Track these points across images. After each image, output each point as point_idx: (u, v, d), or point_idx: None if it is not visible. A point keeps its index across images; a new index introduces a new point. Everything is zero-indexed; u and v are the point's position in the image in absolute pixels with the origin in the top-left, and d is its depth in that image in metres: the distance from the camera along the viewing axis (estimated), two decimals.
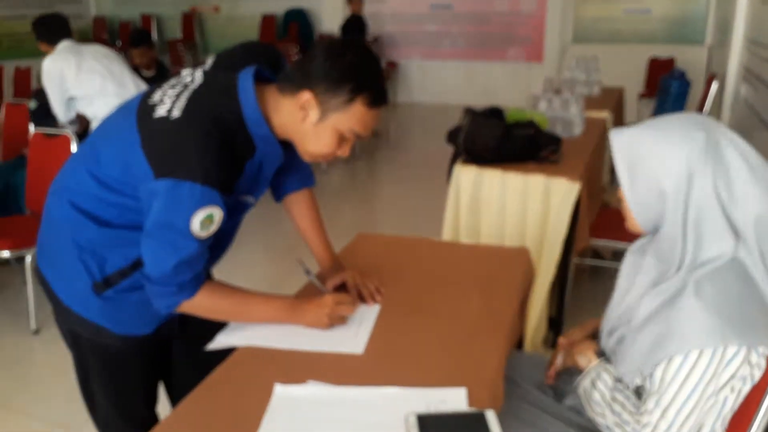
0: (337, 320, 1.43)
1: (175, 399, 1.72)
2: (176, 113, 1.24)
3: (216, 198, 1.23)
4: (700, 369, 1.11)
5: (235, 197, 1.37)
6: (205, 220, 1.23)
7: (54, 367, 2.87)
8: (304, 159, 1.41)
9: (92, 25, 11.27)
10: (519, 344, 1.87)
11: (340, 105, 1.27)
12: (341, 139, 1.32)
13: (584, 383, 1.32)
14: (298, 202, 1.71)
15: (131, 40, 4.70)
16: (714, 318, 1.11)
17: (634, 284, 1.32)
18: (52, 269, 1.44)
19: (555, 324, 2.86)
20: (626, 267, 1.39)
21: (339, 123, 1.29)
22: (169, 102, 1.27)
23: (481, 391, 1.20)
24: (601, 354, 1.38)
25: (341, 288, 1.60)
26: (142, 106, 1.30)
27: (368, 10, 9.59)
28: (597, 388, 1.28)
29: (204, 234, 1.25)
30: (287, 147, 1.41)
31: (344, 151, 1.36)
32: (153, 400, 1.65)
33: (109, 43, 10.51)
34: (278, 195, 1.71)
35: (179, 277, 1.28)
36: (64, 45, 3.66)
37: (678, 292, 1.17)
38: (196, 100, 1.27)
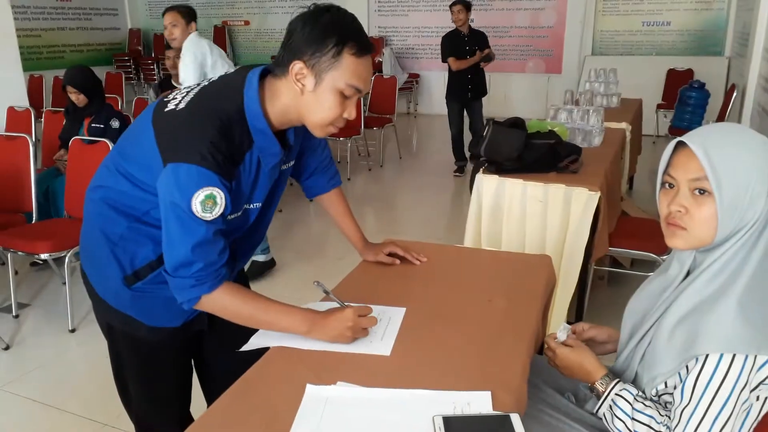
0: (359, 333, 1.42)
1: (208, 395, 1.77)
2: (181, 105, 1.33)
3: (214, 180, 1.26)
4: (732, 377, 1.08)
5: (241, 204, 1.42)
6: (206, 200, 1.26)
7: (89, 365, 2.96)
8: (316, 135, 1.41)
9: (128, 37, 11.61)
10: (540, 349, 1.88)
11: (330, 62, 1.29)
12: (342, 98, 1.33)
13: (603, 410, 1.30)
14: (328, 198, 1.87)
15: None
16: (750, 328, 1.09)
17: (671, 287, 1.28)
18: (89, 263, 1.52)
19: None
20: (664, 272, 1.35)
21: (335, 81, 1.31)
22: (179, 97, 1.36)
23: (506, 395, 1.21)
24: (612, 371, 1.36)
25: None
26: (159, 105, 1.38)
27: (390, 24, 9.72)
28: (617, 415, 1.26)
29: (208, 216, 1.27)
30: (299, 155, 1.44)
31: (351, 113, 1.37)
32: (186, 396, 1.70)
33: (142, 54, 10.84)
34: (310, 195, 1.86)
35: (195, 265, 1.30)
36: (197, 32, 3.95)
37: (719, 293, 1.15)
38: (203, 94, 1.36)
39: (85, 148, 3.50)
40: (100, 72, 8.11)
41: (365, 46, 1.32)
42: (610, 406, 1.27)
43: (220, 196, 1.28)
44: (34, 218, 3.64)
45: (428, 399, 1.21)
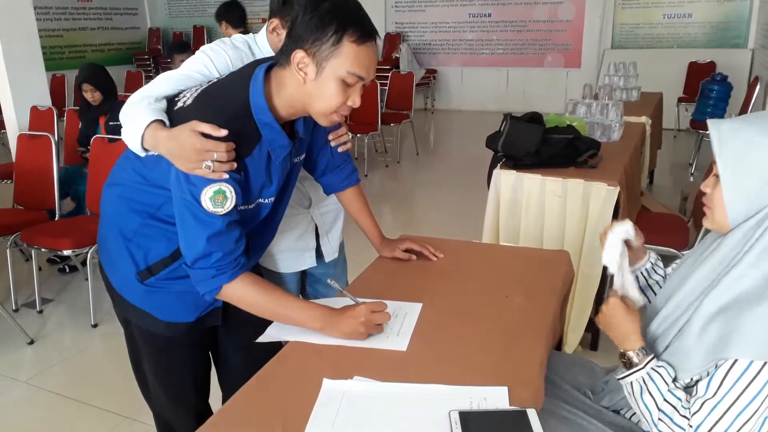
0: (373, 329, 1.41)
1: (225, 389, 1.79)
2: (189, 102, 1.35)
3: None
4: (760, 382, 1.07)
5: (252, 198, 1.43)
6: (216, 196, 1.28)
7: (111, 359, 3.03)
8: (320, 123, 1.41)
9: (147, 36, 11.81)
10: (558, 345, 1.87)
11: (330, 50, 1.28)
12: (345, 86, 1.32)
13: (631, 380, 1.26)
14: (345, 196, 1.88)
15: (174, 48, 5.01)
16: None
17: (693, 275, 1.27)
18: (106, 258, 1.55)
19: (593, 325, 2.85)
20: (684, 265, 1.35)
21: (336, 69, 1.29)
22: (188, 95, 1.38)
23: (522, 391, 1.21)
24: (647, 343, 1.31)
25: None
26: (170, 104, 1.40)
27: (408, 19, 9.73)
28: (649, 390, 1.22)
29: (220, 210, 1.29)
30: (309, 151, 1.46)
31: (355, 101, 1.35)
32: (204, 389, 1.72)
33: (162, 52, 10.99)
34: (326, 192, 1.87)
35: (213, 256, 1.32)
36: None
37: (756, 292, 1.12)
38: (209, 90, 1.38)
39: (108, 147, 3.55)
40: (121, 71, 8.28)
41: (366, 32, 1.30)
42: (644, 380, 1.23)
43: (229, 190, 1.30)
44: (57, 215, 3.71)
45: (444, 394, 1.21)
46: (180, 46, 5.16)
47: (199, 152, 1.26)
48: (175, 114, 1.36)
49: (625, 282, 1.39)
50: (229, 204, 1.30)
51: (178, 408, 1.68)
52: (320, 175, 1.81)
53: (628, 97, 4.80)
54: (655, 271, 1.53)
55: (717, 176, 1.19)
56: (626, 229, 1.42)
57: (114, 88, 4.21)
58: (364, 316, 1.39)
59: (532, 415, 1.12)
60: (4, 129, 4.92)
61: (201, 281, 1.37)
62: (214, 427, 1.15)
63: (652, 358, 1.25)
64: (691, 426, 1.12)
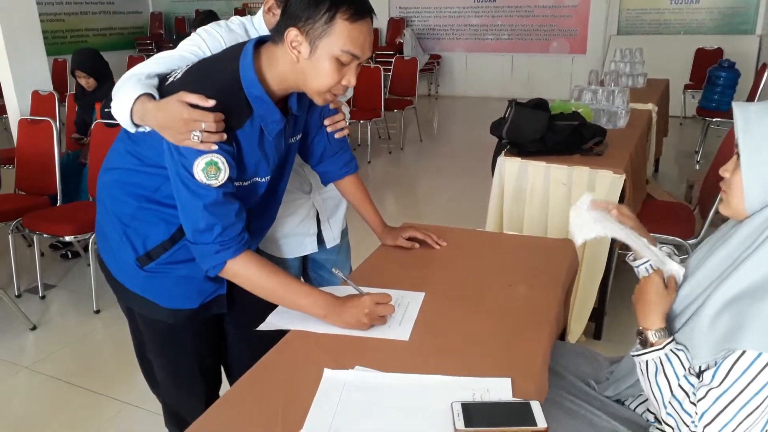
0: (376, 320, 1.40)
1: (230, 378, 1.79)
2: (179, 76, 1.34)
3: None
4: (766, 375, 1.06)
5: (247, 173, 1.42)
6: (208, 167, 1.27)
7: (113, 345, 3.04)
8: (316, 102, 1.40)
9: (149, 20, 11.82)
10: (562, 335, 1.86)
11: (323, 29, 1.26)
12: (339, 64, 1.30)
13: (647, 358, 1.24)
14: (343, 185, 1.84)
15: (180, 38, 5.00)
16: None
17: (711, 260, 1.25)
18: (105, 247, 1.54)
19: (597, 315, 2.83)
20: (701, 249, 1.34)
21: (330, 47, 1.28)
22: (178, 71, 1.37)
23: (526, 382, 1.20)
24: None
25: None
26: (161, 82, 1.39)
27: (412, 4, 9.67)
28: (665, 372, 1.20)
29: (214, 182, 1.28)
30: (305, 136, 1.46)
31: (350, 80, 1.34)
32: (212, 379, 1.71)
33: (164, 37, 10.98)
34: (324, 181, 1.82)
35: (215, 229, 1.31)
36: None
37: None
38: (198, 65, 1.38)
39: (108, 132, 3.52)
40: (123, 56, 8.25)
41: (360, 10, 1.28)
42: (660, 360, 1.22)
43: (221, 161, 1.28)
44: (58, 201, 3.70)
45: (447, 385, 1.20)
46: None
47: (186, 122, 1.25)
48: (165, 89, 1.35)
49: (662, 259, 1.35)
50: (223, 176, 1.29)
51: (188, 397, 1.67)
52: (317, 162, 1.78)
53: (634, 83, 4.76)
54: None
55: (738, 160, 1.16)
56: (583, 200, 1.38)
57: (108, 73, 4.18)
58: (368, 308, 1.37)
59: (536, 406, 1.11)
60: (6, 114, 4.90)
61: (204, 257, 1.35)
62: (215, 415, 1.15)
63: (672, 341, 1.23)
64: (696, 413, 1.12)
